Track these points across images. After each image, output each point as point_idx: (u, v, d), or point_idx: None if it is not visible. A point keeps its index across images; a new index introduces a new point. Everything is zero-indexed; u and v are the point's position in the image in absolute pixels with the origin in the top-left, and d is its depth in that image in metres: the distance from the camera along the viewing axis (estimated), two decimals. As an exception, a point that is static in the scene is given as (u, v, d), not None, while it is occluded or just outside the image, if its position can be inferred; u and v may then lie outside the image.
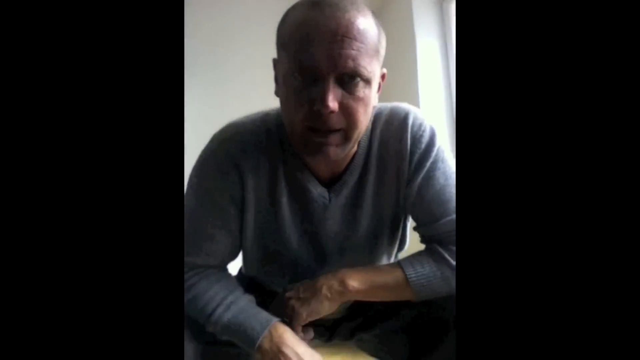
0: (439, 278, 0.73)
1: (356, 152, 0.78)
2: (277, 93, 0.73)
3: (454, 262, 0.74)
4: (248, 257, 0.86)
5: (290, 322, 0.74)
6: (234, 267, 0.92)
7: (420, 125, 0.76)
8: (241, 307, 0.75)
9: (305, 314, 0.73)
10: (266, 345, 0.70)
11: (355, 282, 0.74)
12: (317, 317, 0.75)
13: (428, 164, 0.75)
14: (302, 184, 0.77)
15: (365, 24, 0.66)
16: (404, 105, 0.80)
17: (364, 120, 0.68)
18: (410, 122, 0.76)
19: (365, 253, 0.82)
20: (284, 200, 0.78)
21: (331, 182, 0.78)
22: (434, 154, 0.75)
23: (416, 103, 2.75)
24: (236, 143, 0.76)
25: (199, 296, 0.75)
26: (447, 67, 2.81)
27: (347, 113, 0.65)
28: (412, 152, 0.75)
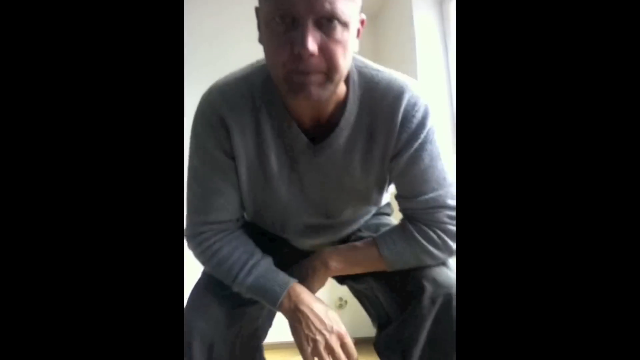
0: (409, 253, 0.81)
1: (344, 109, 0.80)
2: (260, 40, 0.74)
3: (422, 240, 0.81)
4: (243, 204, 0.91)
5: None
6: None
7: (415, 104, 0.81)
8: (261, 271, 0.83)
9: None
10: (286, 304, 0.80)
11: (335, 262, 0.84)
12: (314, 292, 0.85)
13: (416, 144, 0.79)
14: (289, 136, 0.80)
15: None
16: (402, 80, 0.82)
17: (344, 63, 0.69)
18: (404, 100, 0.79)
19: (351, 203, 0.88)
20: (272, 153, 0.81)
21: (317, 136, 0.81)
22: (423, 135, 0.80)
23: (416, 103, 2.75)
24: (222, 101, 0.80)
25: (222, 262, 0.84)
26: (447, 67, 2.81)
27: (327, 55, 0.67)
28: (401, 130, 0.79)
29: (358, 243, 0.88)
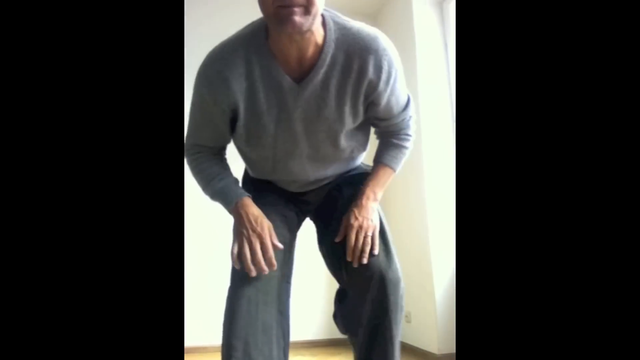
0: (401, 157, 1.19)
1: (322, 50, 0.98)
2: None
3: (404, 143, 1.19)
4: (241, 146, 1.16)
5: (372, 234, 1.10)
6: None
7: (383, 50, 0.99)
8: (227, 182, 1.13)
9: (374, 224, 1.11)
10: (234, 208, 1.09)
11: (377, 189, 1.15)
12: (377, 220, 1.13)
13: (389, 86, 1.02)
14: (277, 80, 1.00)
15: None
16: (371, 29, 1.02)
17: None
18: (375, 47, 0.98)
19: (330, 137, 1.09)
20: (262, 94, 1.01)
21: (300, 77, 1.00)
22: (392, 79, 1.02)
23: (416, 103, 2.76)
24: (222, 59, 1.01)
25: (203, 170, 1.13)
26: (447, 67, 2.81)
27: None
28: (376, 73, 1.00)
29: (374, 173, 1.18)
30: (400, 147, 1.18)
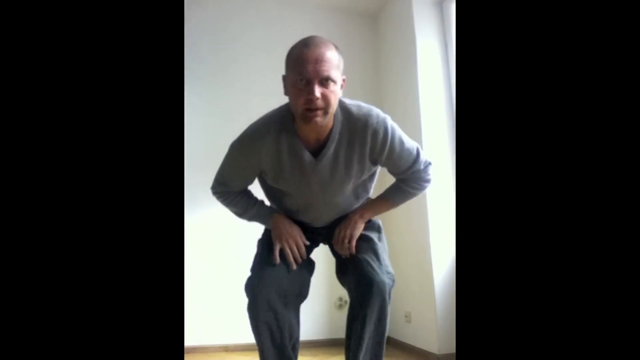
0: (402, 196, 1.48)
1: (331, 132, 1.32)
2: (286, 93, 1.28)
3: (412, 190, 1.45)
4: (270, 197, 1.53)
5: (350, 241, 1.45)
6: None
7: (377, 121, 1.30)
8: (259, 206, 1.49)
9: (356, 231, 1.45)
10: (270, 222, 1.46)
11: (368, 213, 1.48)
12: (360, 231, 1.47)
13: (388, 144, 1.32)
14: (299, 154, 1.33)
15: (331, 53, 1.22)
16: (367, 107, 1.34)
17: (334, 103, 1.23)
18: (370, 121, 1.30)
19: (339, 193, 1.43)
20: (287, 164, 1.35)
21: (316, 152, 1.34)
22: (389, 137, 1.32)
23: (416, 102, 2.76)
24: (256, 133, 1.35)
25: (237, 202, 1.47)
26: (447, 67, 2.81)
27: (325, 99, 1.20)
28: (373, 141, 1.32)
29: (375, 200, 1.52)
30: (407, 192, 1.46)
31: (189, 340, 2.64)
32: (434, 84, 2.76)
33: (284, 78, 1.28)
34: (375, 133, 1.30)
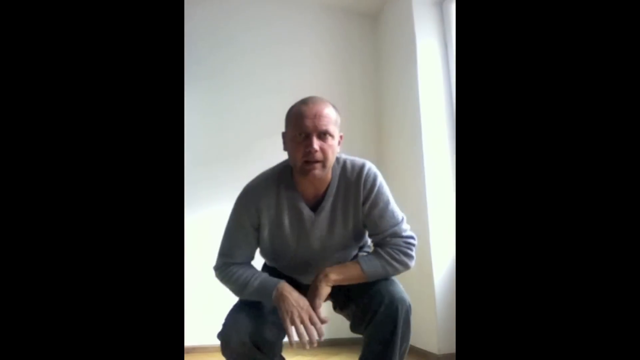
0: (380, 267, 1.31)
1: (329, 186, 1.34)
2: (285, 148, 1.30)
3: (388, 258, 1.30)
4: (265, 255, 1.46)
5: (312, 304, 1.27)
6: (258, 263, 1.44)
7: (367, 173, 1.33)
8: (262, 279, 1.33)
9: (318, 300, 1.27)
10: (275, 294, 1.27)
11: (334, 275, 1.30)
12: (323, 299, 1.30)
13: (373, 194, 1.32)
14: (298, 209, 1.34)
15: (329, 110, 1.27)
16: (360, 161, 1.37)
17: (332, 157, 1.26)
18: (363, 173, 1.33)
19: (339, 248, 1.40)
20: (286, 220, 1.35)
21: (315, 207, 1.35)
22: (375, 189, 1.32)
23: (416, 102, 2.76)
24: (254, 192, 1.35)
25: (238, 278, 1.34)
26: (447, 67, 2.81)
27: (323, 152, 1.23)
28: (363, 190, 1.33)
29: (347, 262, 1.37)
30: (382, 259, 1.30)
31: (189, 340, 2.64)
32: (434, 84, 2.76)
33: (284, 135, 1.31)
34: (365, 181, 1.31)
